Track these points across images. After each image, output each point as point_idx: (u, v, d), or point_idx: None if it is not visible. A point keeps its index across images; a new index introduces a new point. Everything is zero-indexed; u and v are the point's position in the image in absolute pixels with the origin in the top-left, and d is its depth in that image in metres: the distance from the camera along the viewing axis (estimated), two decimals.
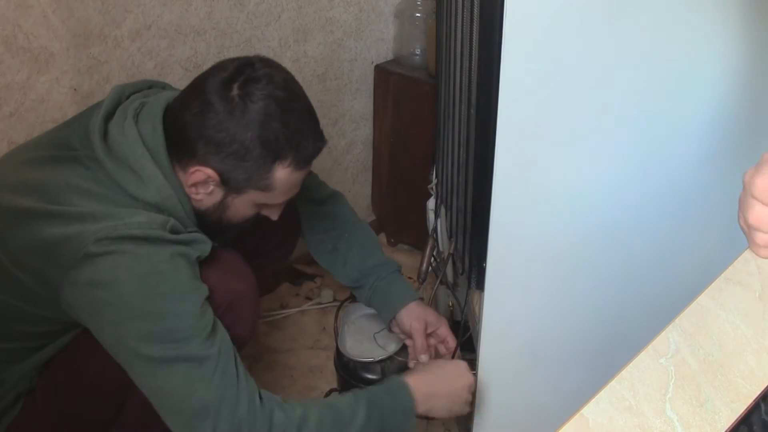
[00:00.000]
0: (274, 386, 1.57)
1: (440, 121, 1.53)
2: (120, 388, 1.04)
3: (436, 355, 1.26)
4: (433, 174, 1.65)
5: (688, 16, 0.89)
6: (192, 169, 0.98)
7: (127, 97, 1.04)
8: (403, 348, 1.35)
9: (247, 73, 0.97)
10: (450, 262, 1.41)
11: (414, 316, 1.25)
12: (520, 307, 1.06)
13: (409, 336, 1.25)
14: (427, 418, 1.26)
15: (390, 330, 1.31)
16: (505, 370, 1.13)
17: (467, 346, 1.44)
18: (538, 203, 0.97)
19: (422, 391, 1.06)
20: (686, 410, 0.58)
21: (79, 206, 0.93)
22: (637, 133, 0.96)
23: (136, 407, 1.06)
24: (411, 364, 1.26)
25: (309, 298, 1.87)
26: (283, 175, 1.00)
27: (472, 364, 1.15)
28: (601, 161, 0.97)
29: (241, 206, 1.04)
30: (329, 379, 1.57)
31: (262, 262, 1.31)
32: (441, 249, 1.53)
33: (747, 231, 0.57)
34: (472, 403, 1.13)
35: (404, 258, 1.99)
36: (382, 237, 2.09)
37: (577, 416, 0.57)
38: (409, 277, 1.90)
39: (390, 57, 1.92)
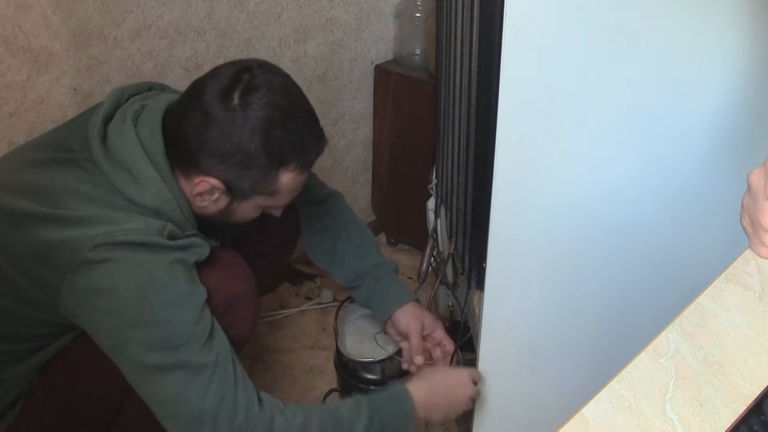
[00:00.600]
0: (274, 386, 1.57)
1: (440, 121, 1.53)
2: (120, 389, 1.04)
3: (431, 359, 1.26)
4: (433, 174, 1.65)
5: (689, 15, 0.89)
6: (197, 180, 0.98)
7: (127, 100, 1.04)
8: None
9: (245, 81, 0.96)
10: (450, 262, 1.41)
11: (411, 316, 1.24)
12: (520, 307, 1.06)
13: (405, 337, 1.25)
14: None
15: (385, 332, 1.30)
16: (505, 370, 1.13)
17: (467, 346, 1.44)
18: (538, 203, 0.97)
19: (423, 399, 1.06)
20: (686, 410, 0.58)
21: (76, 210, 0.92)
22: (638, 134, 0.96)
23: (135, 408, 1.06)
24: (405, 366, 1.26)
25: (309, 298, 1.87)
26: (288, 179, 1.01)
27: (473, 365, 1.15)
28: (601, 161, 0.97)
29: (247, 210, 1.05)
30: (329, 379, 1.57)
31: (262, 262, 1.31)
32: (441, 249, 1.53)
33: (752, 232, 0.57)
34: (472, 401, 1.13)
35: (404, 258, 1.99)
36: (382, 237, 2.09)
37: (577, 416, 0.57)
38: (409, 277, 1.90)
39: (390, 57, 1.92)
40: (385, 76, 1.87)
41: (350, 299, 1.50)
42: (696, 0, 0.89)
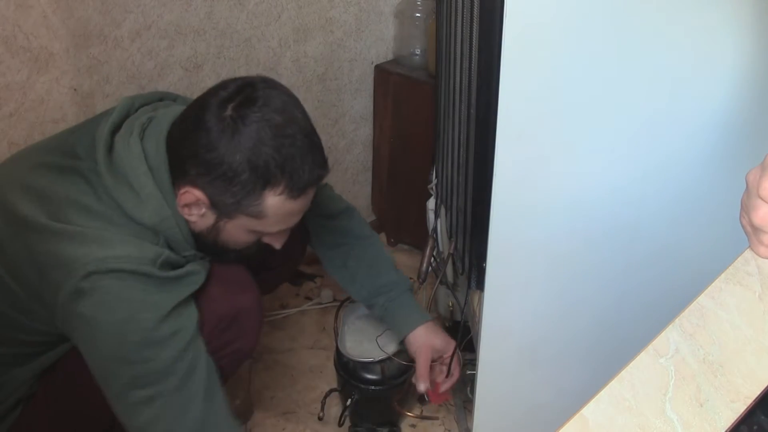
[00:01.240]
0: (274, 386, 1.58)
1: (440, 121, 1.53)
2: None
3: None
4: (433, 174, 1.65)
5: (689, 15, 0.89)
6: (182, 190, 0.95)
7: (137, 110, 1.03)
8: (403, 351, 1.36)
9: (245, 94, 0.93)
10: (450, 262, 1.41)
11: (420, 342, 1.24)
12: (520, 307, 1.06)
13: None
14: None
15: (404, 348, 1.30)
16: (505, 370, 1.13)
17: (467, 346, 1.44)
18: (538, 203, 0.97)
19: None
20: (686, 410, 0.58)
21: (75, 224, 0.92)
22: (638, 134, 0.96)
23: None
24: (413, 380, 1.27)
25: (309, 298, 1.87)
26: (275, 202, 0.96)
27: (473, 365, 1.15)
28: (601, 161, 0.97)
29: (235, 232, 1.01)
30: (329, 379, 1.57)
31: (268, 275, 1.30)
32: (441, 249, 1.53)
33: (751, 231, 0.56)
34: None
35: (404, 258, 1.99)
36: (382, 237, 2.09)
37: (577, 416, 0.57)
38: (410, 278, 1.90)
39: (390, 57, 1.92)
40: (385, 76, 1.87)
41: (350, 299, 1.50)
42: (696, 0, 0.89)
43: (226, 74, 1.56)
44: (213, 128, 0.92)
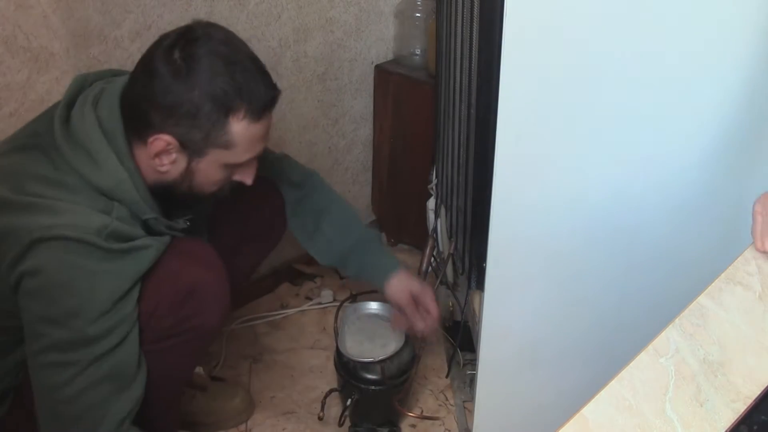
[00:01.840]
0: (274, 386, 1.58)
1: (440, 121, 1.53)
2: None
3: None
4: (433, 174, 1.65)
5: (689, 15, 0.89)
6: (151, 139, 0.98)
7: (90, 85, 1.06)
8: (403, 347, 1.36)
9: (187, 36, 0.98)
10: (450, 262, 1.41)
11: (399, 289, 1.31)
12: (520, 307, 1.06)
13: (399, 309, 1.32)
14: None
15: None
16: (505, 370, 1.13)
17: (467, 346, 1.44)
18: (538, 203, 0.97)
19: None
20: (686, 410, 0.58)
21: (32, 195, 0.94)
22: (637, 133, 0.96)
23: None
24: (394, 326, 1.36)
25: (309, 298, 1.87)
26: (240, 128, 0.99)
27: (473, 365, 1.15)
28: (601, 161, 0.97)
29: (208, 170, 1.04)
30: (329, 379, 1.57)
31: (251, 247, 1.34)
32: (441, 249, 1.53)
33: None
34: None
35: (404, 258, 1.99)
36: (383, 237, 2.09)
37: (577, 416, 0.57)
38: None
39: (390, 57, 1.92)
40: (385, 76, 1.87)
41: (350, 299, 1.50)
42: (695, 0, 0.89)
43: None
44: (166, 74, 0.95)
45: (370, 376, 1.34)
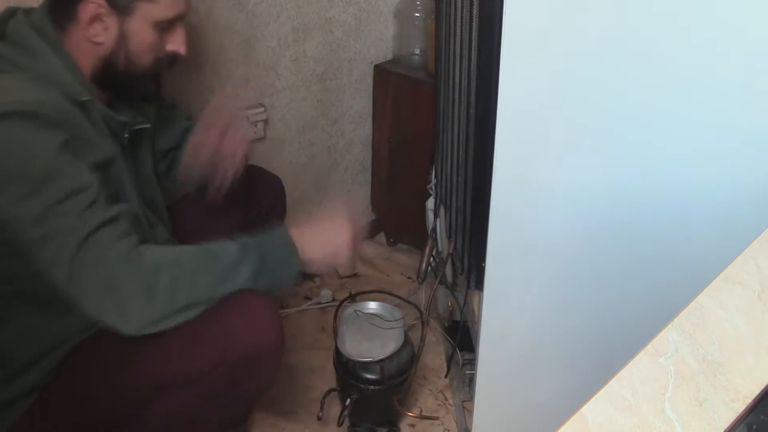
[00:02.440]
0: (273, 386, 1.57)
1: (440, 121, 1.53)
2: (131, 402, 1.05)
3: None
4: (432, 174, 1.65)
5: (689, 14, 0.89)
6: (80, 7, 1.02)
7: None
8: (402, 347, 1.36)
9: None
10: (449, 262, 1.41)
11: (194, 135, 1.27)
12: (519, 307, 1.06)
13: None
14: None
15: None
16: (504, 370, 1.13)
17: (466, 346, 1.44)
18: (538, 203, 0.97)
19: (299, 232, 1.08)
20: (685, 410, 0.58)
21: None
22: (637, 133, 0.96)
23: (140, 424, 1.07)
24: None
25: (308, 298, 1.86)
26: None
27: (472, 365, 1.15)
28: (601, 161, 0.97)
29: (140, 31, 1.06)
30: (329, 379, 1.57)
31: (259, 212, 1.36)
32: (440, 249, 1.53)
33: None
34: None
35: (404, 258, 1.99)
36: (382, 237, 2.09)
37: (576, 416, 0.57)
38: (408, 277, 1.90)
39: (389, 57, 1.92)
40: (384, 75, 1.87)
41: (349, 299, 1.50)
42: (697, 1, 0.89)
43: (225, 74, 1.56)
44: None
45: (369, 376, 1.34)
